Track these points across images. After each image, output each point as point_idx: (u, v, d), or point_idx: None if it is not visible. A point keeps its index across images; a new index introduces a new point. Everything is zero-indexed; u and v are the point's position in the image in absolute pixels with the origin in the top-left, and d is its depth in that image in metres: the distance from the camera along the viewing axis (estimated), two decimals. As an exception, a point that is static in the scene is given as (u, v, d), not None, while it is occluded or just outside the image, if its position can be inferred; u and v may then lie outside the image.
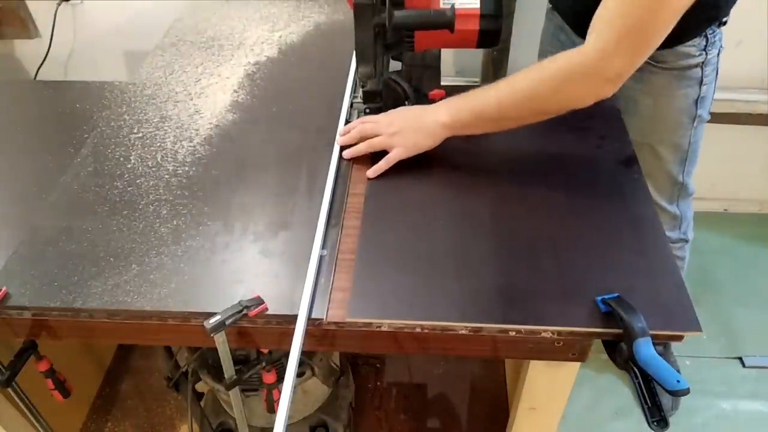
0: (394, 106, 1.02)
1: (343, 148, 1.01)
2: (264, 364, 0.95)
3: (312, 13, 1.43)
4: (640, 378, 0.73)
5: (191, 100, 1.16)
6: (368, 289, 0.81)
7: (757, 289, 1.85)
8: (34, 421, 1.06)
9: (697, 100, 1.15)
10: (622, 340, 0.73)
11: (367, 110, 1.04)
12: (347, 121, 1.06)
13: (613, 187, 0.95)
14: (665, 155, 1.23)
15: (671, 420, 0.92)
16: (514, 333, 0.76)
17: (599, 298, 0.76)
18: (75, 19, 1.86)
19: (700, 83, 1.13)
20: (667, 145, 1.22)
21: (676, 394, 0.66)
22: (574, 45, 0.86)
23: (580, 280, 0.80)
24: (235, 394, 0.92)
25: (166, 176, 0.99)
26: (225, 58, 1.28)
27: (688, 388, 0.66)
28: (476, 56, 1.86)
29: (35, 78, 1.90)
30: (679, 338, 0.75)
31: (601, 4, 0.83)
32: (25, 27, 1.86)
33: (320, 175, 0.96)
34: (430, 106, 0.97)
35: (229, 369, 0.84)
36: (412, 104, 1.05)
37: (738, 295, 1.83)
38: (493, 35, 1.00)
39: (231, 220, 0.91)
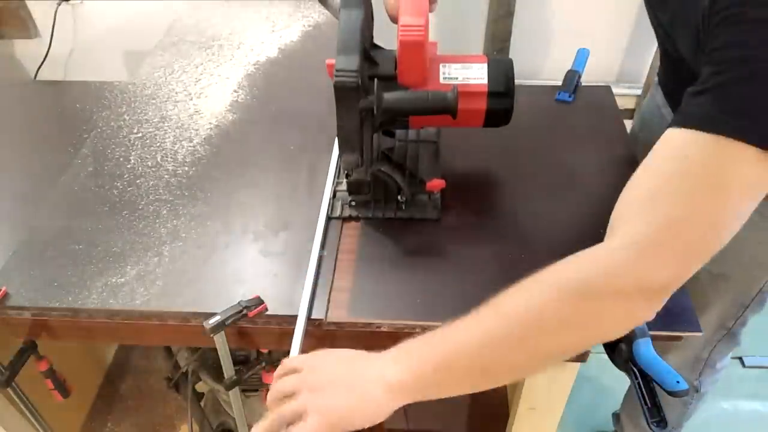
0: (385, 200, 0.89)
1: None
2: (264, 364, 0.95)
3: (312, 13, 1.43)
4: (639, 378, 0.73)
5: (191, 100, 1.16)
6: (368, 289, 0.81)
7: (757, 289, 1.85)
8: (34, 421, 1.06)
9: None
10: (622, 340, 0.72)
11: (353, 203, 0.90)
12: (328, 218, 0.89)
13: (613, 187, 0.95)
14: (724, 291, 0.98)
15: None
16: (514, 333, 0.76)
17: (599, 298, 0.75)
18: (75, 19, 1.86)
19: None
20: (730, 286, 0.96)
21: (676, 394, 0.66)
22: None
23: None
24: (235, 395, 0.92)
25: (166, 176, 0.99)
26: (225, 58, 1.28)
27: (688, 389, 0.66)
28: (476, 56, 1.86)
29: (35, 78, 1.89)
30: (679, 338, 0.75)
31: (628, 184, 0.61)
32: (25, 27, 1.86)
33: (320, 175, 0.96)
34: (377, 357, 0.63)
35: (229, 369, 0.84)
36: (407, 198, 0.89)
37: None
38: (503, 115, 0.84)
39: (231, 220, 0.91)
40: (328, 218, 0.89)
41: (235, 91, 1.18)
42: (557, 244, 0.85)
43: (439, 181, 0.88)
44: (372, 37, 0.83)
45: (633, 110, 2.05)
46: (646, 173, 0.60)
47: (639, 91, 2.04)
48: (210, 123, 1.10)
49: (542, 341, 0.59)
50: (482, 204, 0.92)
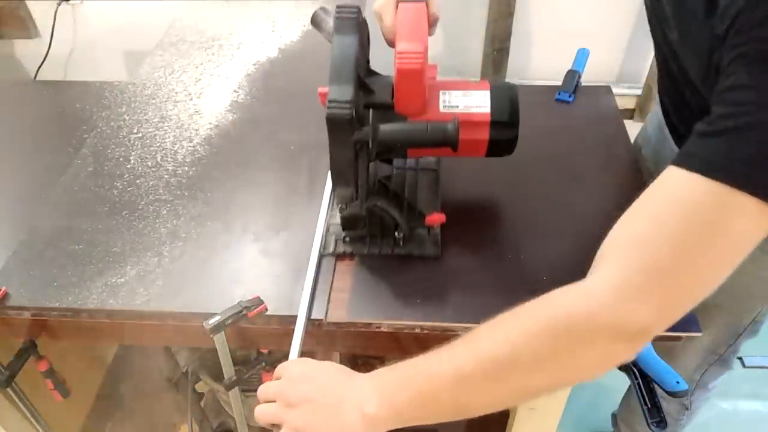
0: (382, 236, 0.85)
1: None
2: (264, 364, 0.95)
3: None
4: (639, 379, 0.73)
5: (191, 100, 1.16)
6: (368, 289, 0.80)
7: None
8: (34, 421, 1.06)
9: None
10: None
11: (347, 238, 0.85)
12: (321, 256, 0.84)
13: (613, 187, 0.95)
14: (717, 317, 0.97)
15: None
16: (513, 333, 0.76)
17: (599, 298, 0.75)
18: (75, 19, 1.86)
19: None
20: (723, 315, 0.95)
21: (676, 395, 0.66)
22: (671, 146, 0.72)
23: (579, 281, 0.80)
24: (235, 395, 0.92)
25: (166, 176, 0.99)
26: (225, 58, 1.28)
27: (688, 389, 0.66)
28: (476, 56, 1.86)
29: (35, 78, 1.90)
30: (679, 339, 0.75)
31: (621, 219, 0.59)
32: (25, 27, 1.86)
33: (320, 175, 0.96)
34: (357, 382, 0.64)
35: (228, 369, 0.84)
36: (404, 236, 0.83)
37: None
38: (506, 145, 0.80)
39: (231, 220, 0.91)
40: (321, 255, 0.83)
41: (235, 91, 1.18)
42: (561, 243, 0.86)
43: (439, 215, 0.82)
44: (368, 62, 0.79)
45: (633, 110, 2.06)
46: (639, 212, 0.57)
47: (639, 91, 2.04)
48: (210, 123, 1.10)
49: (516, 379, 0.58)
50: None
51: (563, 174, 0.97)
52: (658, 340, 0.73)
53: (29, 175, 1.03)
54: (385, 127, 0.71)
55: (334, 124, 0.68)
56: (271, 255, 0.85)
